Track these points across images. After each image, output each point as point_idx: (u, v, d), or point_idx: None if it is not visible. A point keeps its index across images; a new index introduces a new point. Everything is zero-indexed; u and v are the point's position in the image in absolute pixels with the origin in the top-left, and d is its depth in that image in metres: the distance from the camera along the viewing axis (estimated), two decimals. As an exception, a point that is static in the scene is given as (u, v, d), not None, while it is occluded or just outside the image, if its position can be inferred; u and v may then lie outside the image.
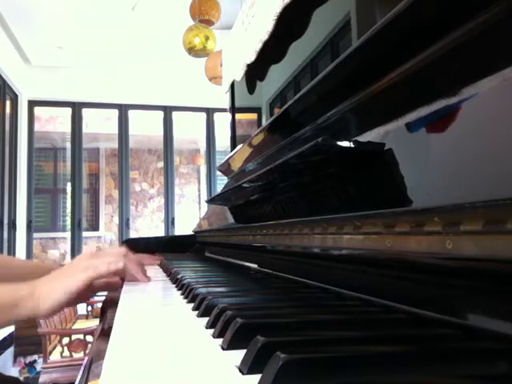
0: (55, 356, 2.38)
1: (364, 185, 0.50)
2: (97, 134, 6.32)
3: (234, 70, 1.32)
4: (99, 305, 3.22)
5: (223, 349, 0.34)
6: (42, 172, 6.77)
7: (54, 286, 0.69)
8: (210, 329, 0.40)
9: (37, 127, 5.20)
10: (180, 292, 0.67)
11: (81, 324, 2.99)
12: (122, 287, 0.78)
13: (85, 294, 0.74)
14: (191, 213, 6.88)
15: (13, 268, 0.97)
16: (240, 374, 0.28)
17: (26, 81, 4.85)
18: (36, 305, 0.68)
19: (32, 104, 5.00)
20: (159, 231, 6.73)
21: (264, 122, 1.20)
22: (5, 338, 4.10)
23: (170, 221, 5.26)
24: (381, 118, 0.48)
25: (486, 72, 0.34)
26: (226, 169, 1.44)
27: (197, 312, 0.49)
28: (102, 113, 5.80)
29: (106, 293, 0.89)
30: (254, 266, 0.87)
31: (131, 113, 5.33)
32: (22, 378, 3.20)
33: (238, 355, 0.30)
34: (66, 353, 2.35)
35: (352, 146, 0.51)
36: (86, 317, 3.26)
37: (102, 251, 0.83)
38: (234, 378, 0.27)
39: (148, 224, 7.16)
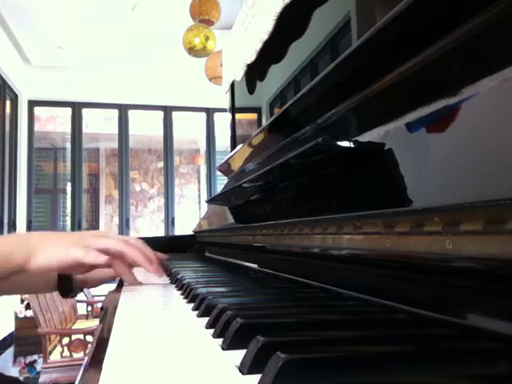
0: (55, 356, 2.38)
1: (364, 185, 0.50)
2: (97, 133, 6.33)
3: (234, 70, 1.32)
4: (99, 305, 3.22)
5: (223, 349, 0.34)
6: (42, 172, 6.78)
7: (50, 247, 0.68)
8: (210, 329, 0.40)
9: (37, 127, 5.20)
10: (180, 292, 0.67)
11: (81, 324, 2.99)
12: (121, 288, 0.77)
13: (77, 269, 0.73)
14: (191, 213, 6.89)
15: None
16: (240, 374, 0.28)
17: (26, 81, 4.85)
18: (27, 257, 0.67)
19: (32, 104, 5.01)
20: (159, 231, 6.73)
21: (264, 122, 1.20)
22: (5, 338, 4.10)
23: (169, 221, 5.26)
24: (381, 118, 0.48)
25: (486, 72, 0.34)
26: (226, 169, 1.44)
27: (197, 312, 0.49)
28: (102, 113, 5.80)
29: (106, 292, 0.89)
30: (254, 266, 0.87)
31: (131, 113, 5.33)
32: (22, 378, 3.20)
33: (238, 355, 0.30)
34: (66, 353, 2.35)
35: (352, 145, 0.51)
36: (86, 317, 3.26)
37: (107, 232, 0.80)
38: (234, 378, 0.27)
39: (148, 224, 7.17)
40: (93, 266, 0.74)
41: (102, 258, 0.69)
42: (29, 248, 0.68)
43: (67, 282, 0.92)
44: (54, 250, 0.69)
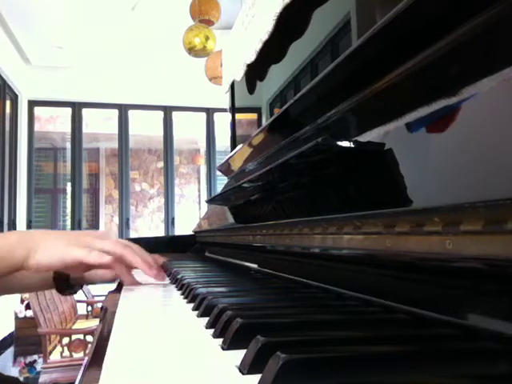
0: (55, 356, 2.38)
1: (364, 185, 0.50)
2: (97, 133, 6.33)
3: (234, 70, 1.32)
4: (99, 305, 3.22)
5: (223, 349, 0.34)
6: (42, 172, 6.78)
7: (50, 245, 0.68)
8: (210, 329, 0.40)
9: (37, 127, 5.21)
10: (180, 292, 0.67)
11: (81, 324, 2.99)
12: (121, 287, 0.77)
13: (75, 268, 0.73)
14: (191, 213, 6.89)
15: None
16: (240, 374, 0.28)
17: (26, 81, 4.85)
18: (27, 255, 0.67)
19: (32, 104, 5.01)
20: (159, 231, 6.74)
21: (264, 122, 1.20)
22: (5, 338, 4.10)
23: (169, 221, 5.26)
24: (381, 118, 0.48)
25: (486, 72, 0.34)
26: (226, 169, 1.44)
27: (197, 312, 0.49)
28: (102, 113, 5.81)
29: (106, 292, 0.89)
30: (254, 266, 0.87)
31: (131, 113, 5.33)
32: (21, 378, 3.20)
33: (238, 355, 0.30)
34: (66, 353, 2.35)
35: (352, 145, 0.51)
36: (86, 317, 3.27)
37: (106, 233, 0.79)
38: (233, 378, 0.27)
39: (148, 224, 7.17)
40: (92, 266, 0.73)
41: (106, 258, 0.69)
42: (29, 246, 0.68)
43: (63, 280, 0.91)
44: (54, 248, 0.68)
